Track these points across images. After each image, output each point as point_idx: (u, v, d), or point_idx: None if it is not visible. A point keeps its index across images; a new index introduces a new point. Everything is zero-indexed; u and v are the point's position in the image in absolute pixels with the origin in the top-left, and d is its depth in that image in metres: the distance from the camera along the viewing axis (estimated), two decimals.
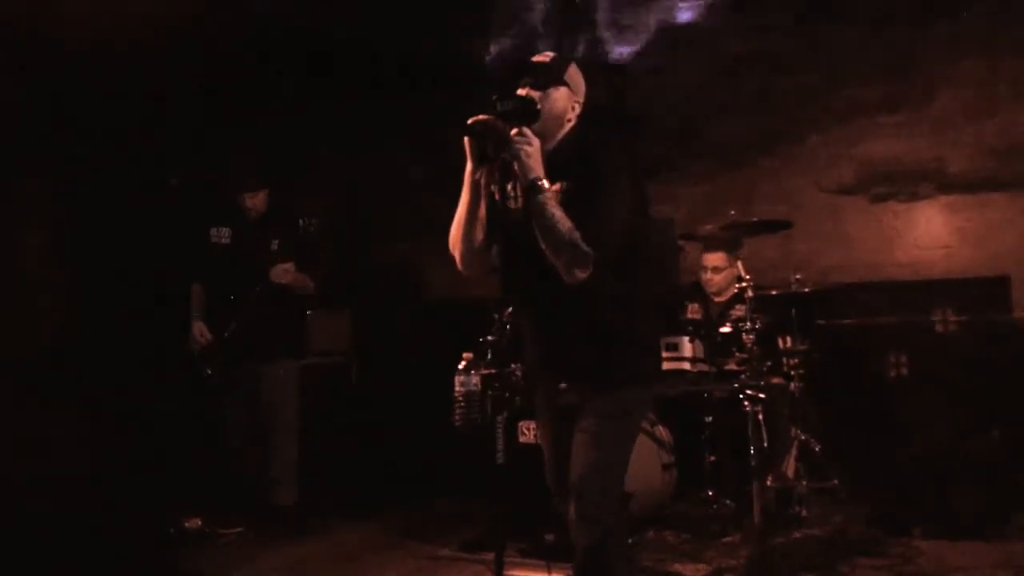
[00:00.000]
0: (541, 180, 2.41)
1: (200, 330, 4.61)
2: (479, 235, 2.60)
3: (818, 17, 5.51)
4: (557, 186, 2.47)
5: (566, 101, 2.61)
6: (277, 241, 4.61)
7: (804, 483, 4.31)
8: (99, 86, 5.72)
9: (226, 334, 4.53)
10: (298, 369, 4.79)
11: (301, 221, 4.07)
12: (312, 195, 5.62)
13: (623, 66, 5.84)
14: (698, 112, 5.84)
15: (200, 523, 4.49)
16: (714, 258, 4.75)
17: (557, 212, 2.39)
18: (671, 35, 5.83)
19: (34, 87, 5.58)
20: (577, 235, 2.37)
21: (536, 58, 2.64)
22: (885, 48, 5.42)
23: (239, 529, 4.52)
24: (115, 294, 6.05)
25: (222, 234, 4.69)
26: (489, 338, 4.28)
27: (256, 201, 4.69)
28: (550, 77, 2.59)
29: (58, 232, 6.24)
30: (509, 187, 2.61)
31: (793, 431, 4.44)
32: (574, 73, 2.65)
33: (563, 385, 2.62)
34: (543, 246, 2.41)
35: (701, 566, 3.75)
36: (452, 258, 2.69)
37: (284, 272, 4.49)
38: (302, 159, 6.36)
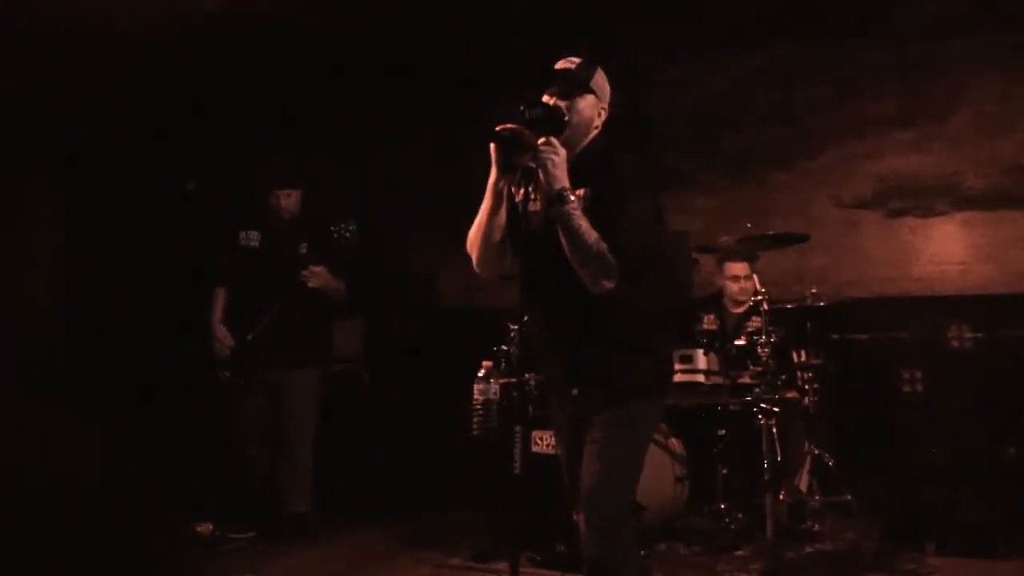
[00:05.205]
0: (567, 190, 2.39)
1: (223, 334, 4.58)
2: (496, 237, 2.60)
3: (836, 31, 5.52)
4: (581, 191, 2.47)
5: (592, 109, 2.59)
6: (306, 244, 4.55)
7: (817, 498, 4.30)
8: (126, 88, 5.78)
9: (249, 337, 4.47)
10: (320, 377, 4.73)
11: (333, 230, 3.95)
12: (327, 203, 5.62)
13: (640, 74, 5.83)
14: (715, 124, 5.85)
15: (211, 528, 4.48)
16: (737, 267, 4.80)
17: (583, 223, 2.37)
18: (688, 48, 5.84)
19: (56, 89, 5.64)
20: (604, 246, 2.36)
21: (561, 64, 2.61)
22: (902, 63, 5.41)
23: (250, 534, 4.51)
24: (131, 296, 6.10)
25: (251, 237, 4.66)
26: (504, 347, 4.30)
27: (290, 201, 4.67)
28: (577, 85, 2.57)
29: (72, 232, 6.29)
30: (531, 188, 2.59)
31: (807, 445, 4.43)
32: (600, 79, 2.63)
33: (575, 391, 2.61)
34: (569, 256, 2.40)
35: None
36: (466, 268, 2.69)
37: (316, 275, 4.43)
38: (318, 167, 6.39)
